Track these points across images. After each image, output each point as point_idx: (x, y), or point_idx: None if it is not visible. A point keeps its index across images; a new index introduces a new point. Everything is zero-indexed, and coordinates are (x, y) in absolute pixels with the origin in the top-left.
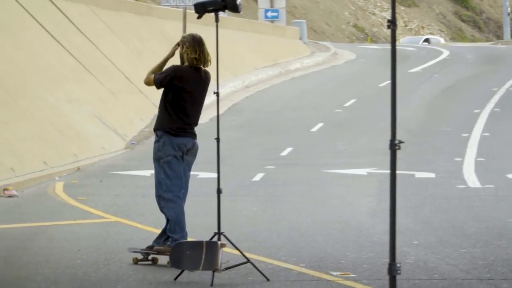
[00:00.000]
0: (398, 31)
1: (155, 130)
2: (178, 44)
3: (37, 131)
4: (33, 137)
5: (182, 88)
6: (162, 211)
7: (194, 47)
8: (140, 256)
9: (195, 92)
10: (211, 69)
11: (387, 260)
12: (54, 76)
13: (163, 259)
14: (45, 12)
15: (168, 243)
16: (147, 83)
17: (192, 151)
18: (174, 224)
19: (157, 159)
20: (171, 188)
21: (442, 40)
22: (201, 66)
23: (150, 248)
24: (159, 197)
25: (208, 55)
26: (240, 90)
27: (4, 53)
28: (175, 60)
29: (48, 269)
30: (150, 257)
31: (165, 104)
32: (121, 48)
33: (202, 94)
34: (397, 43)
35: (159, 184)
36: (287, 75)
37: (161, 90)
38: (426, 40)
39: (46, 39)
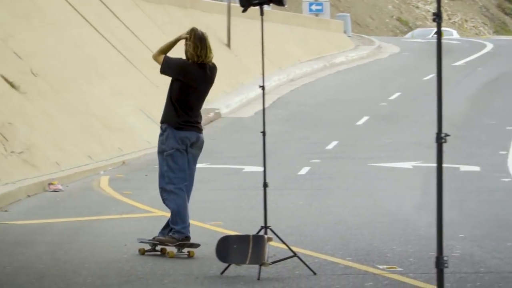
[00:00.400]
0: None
1: (160, 123)
2: (185, 38)
3: (82, 125)
4: (78, 131)
5: (186, 83)
6: (164, 203)
7: (195, 43)
8: (148, 247)
9: (199, 87)
10: (256, 62)
11: (433, 253)
12: (98, 69)
13: (171, 252)
14: (88, 5)
15: (171, 234)
16: (155, 60)
17: (196, 144)
18: (176, 216)
19: (161, 152)
20: (173, 180)
21: (455, 33)
22: (204, 62)
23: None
24: (162, 189)
25: (210, 51)
26: (285, 83)
27: (48, 47)
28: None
29: (94, 263)
30: (157, 248)
31: (170, 98)
32: (165, 41)
33: (206, 89)
34: (409, 35)
35: (162, 176)
36: (331, 69)
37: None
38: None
39: (90, 32)
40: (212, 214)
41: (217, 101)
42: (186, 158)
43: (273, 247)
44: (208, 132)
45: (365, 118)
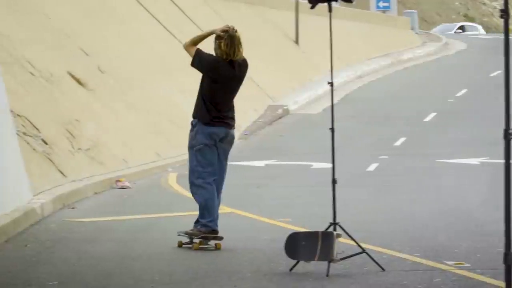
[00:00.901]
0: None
1: (192, 118)
2: (219, 37)
3: (149, 122)
4: (145, 128)
5: (215, 80)
6: (193, 197)
7: (225, 40)
8: (185, 240)
9: (228, 85)
10: (324, 59)
11: (501, 249)
12: (166, 66)
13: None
14: (156, 2)
15: (198, 227)
16: (186, 50)
17: (226, 139)
18: (203, 209)
19: (190, 147)
20: (202, 174)
21: (481, 28)
22: (233, 59)
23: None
24: (191, 184)
25: (238, 49)
26: (352, 80)
27: (116, 44)
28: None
29: (162, 260)
30: (195, 240)
31: (201, 94)
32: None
33: (235, 87)
34: (435, 30)
35: (191, 171)
36: (399, 65)
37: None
38: (461, 28)
39: (158, 30)
40: (281, 210)
41: (286, 98)
42: (215, 153)
43: (342, 243)
44: (276, 128)
45: (432, 115)
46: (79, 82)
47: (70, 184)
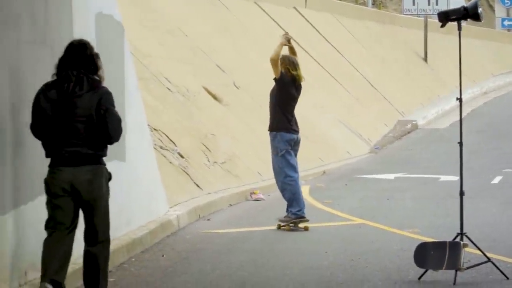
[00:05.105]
0: None
1: (270, 130)
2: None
3: None
4: None
5: (290, 93)
6: (282, 193)
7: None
8: (282, 224)
9: (295, 97)
10: (452, 76)
11: None
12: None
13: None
14: (290, 21)
15: (289, 214)
16: (273, 61)
17: (298, 143)
18: (292, 201)
19: (275, 154)
20: (289, 173)
21: None
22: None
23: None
24: (281, 183)
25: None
26: (478, 96)
27: (250, 60)
28: None
29: (295, 270)
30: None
31: (277, 106)
32: (365, 55)
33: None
34: None
35: (278, 173)
36: None
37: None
38: None
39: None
40: (410, 221)
41: (415, 113)
42: (294, 156)
43: (467, 252)
44: (405, 142)
45: None
46: (214, 97)
47: (206, 196)
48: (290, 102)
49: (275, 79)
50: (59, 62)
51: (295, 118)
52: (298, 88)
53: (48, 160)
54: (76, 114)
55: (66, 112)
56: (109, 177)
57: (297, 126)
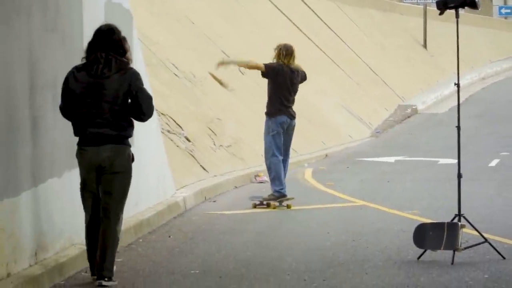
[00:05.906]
0: None
1: (266, 114)
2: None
3: None
4: None
5: (282, 82)
6: (268, 171)
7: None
8: (257, 203)
9: (287, 85)
10: (451, 62)
11: None
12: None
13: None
14: (293, 8)
15: (272, 193)
16: (250, 69)
17: (292, 128)
18: (276, 180)
19: (267, 133)
20: (275, 153)
21: None
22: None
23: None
24: (269, 161)
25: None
26: (476, 82)
27: (255, 47)
28: None
29: (298, 250)
30: (264, 203)
31: (273, 94)
32: (366, 42)
33: (295, 85)
34: None
35: (267, 151)
36: None
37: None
38: None
39: (295, 33)
40: (409, 203)
41: (414, 98)
42: (282, 138)
43: (465, 233)
44: (405, 126)
45: None
46: (220, 83)
47: (212, 178)
48: (283, 89)
49: (262, 75)
50: (88, 46)
51: (291, 105)
52: (293, 74)
53: (76, 139)
54: (103, 95)
55: (93, 93)
56: (132, 158)
57: (294, 112)
